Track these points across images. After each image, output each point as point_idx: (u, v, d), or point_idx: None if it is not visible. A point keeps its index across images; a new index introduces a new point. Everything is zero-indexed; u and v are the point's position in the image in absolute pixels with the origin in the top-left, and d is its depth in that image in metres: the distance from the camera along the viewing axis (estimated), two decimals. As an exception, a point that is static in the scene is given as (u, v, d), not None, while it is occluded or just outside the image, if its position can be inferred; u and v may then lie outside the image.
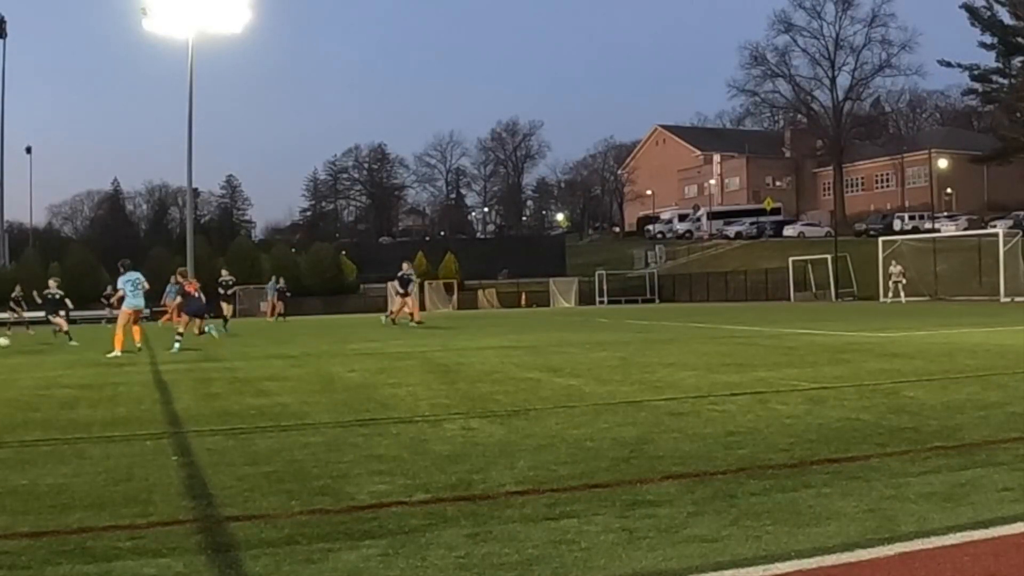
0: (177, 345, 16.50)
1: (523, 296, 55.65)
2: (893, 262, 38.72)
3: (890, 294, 37.43)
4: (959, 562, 3.03)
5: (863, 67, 72.33)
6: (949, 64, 58.82)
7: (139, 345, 16.36)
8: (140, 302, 16.68)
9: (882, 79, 73.01)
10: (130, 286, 16.48)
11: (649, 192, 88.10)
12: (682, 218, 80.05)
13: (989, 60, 57.79)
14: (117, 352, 15.36)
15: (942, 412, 6.20)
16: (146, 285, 16.75)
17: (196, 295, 18.43)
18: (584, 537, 3.41)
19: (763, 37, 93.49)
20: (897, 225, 57.04)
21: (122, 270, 16.78)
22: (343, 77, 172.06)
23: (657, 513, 3.72)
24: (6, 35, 66.58)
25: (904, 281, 37.23)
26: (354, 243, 79.26)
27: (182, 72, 44.93)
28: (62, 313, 22.27)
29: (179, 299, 18.74)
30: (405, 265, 26.38)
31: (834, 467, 4.51)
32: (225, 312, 26.66)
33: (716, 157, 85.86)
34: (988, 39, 56.64)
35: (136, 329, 16.70)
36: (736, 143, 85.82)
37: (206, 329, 18.80)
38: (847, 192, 75.99)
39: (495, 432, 5.93)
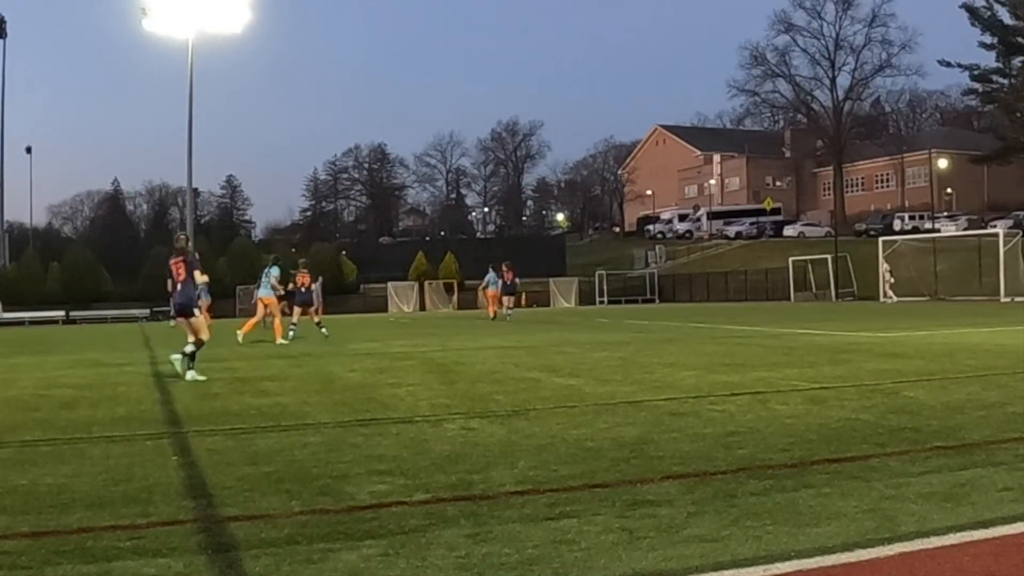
0: (292, 333, 18.30)
1: (523, 296, 55.63)
2: (882, 261, 38.76)
3: (890, 294, 37.45)
4: (959, 562, 3.03)
5: (863, 67, 72.38)
6: (949, 64, 58.78)
7: (281, 340, 17.40)
8: (264, 293, 18.22)
9: (882, 79, 73.08)
10: (263, 277, 18.39)
11: (649, 192, 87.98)
12: (682, 218, 79.98)
13: (989, 60, 57.85)
14: (240, 336, 17.21)
15: (942, 412, 6.20)
16: (274, 281, 18.24)
17: (304, 288, 19.53)
18: (584, 537, 3.41)
19: (763, 37, 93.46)
20: (897, 225, 57.00)
21: (268, 263, 18.73)
22: (343, 77, 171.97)
23: (657, 513, 3.72)
24: (6, 35, 66.69)
25: (892, 280, 37.18)
26: (354, 243, 79.16)
27: (182, 72, 44.95)
28: None
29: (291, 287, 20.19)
30: (507, 268, 26.08)
31: (834, 467, 4.51)
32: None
33: (716, 157, 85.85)
34: (988, 39, 56.60)
35: (275, 323, 18.10)
36: (736, 143, 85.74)
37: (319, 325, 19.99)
38: (847, 192, 75.94)
39: (495, 432, 5.93)
